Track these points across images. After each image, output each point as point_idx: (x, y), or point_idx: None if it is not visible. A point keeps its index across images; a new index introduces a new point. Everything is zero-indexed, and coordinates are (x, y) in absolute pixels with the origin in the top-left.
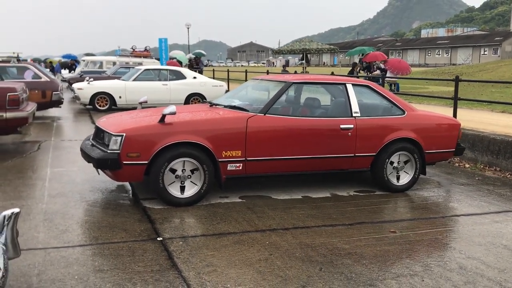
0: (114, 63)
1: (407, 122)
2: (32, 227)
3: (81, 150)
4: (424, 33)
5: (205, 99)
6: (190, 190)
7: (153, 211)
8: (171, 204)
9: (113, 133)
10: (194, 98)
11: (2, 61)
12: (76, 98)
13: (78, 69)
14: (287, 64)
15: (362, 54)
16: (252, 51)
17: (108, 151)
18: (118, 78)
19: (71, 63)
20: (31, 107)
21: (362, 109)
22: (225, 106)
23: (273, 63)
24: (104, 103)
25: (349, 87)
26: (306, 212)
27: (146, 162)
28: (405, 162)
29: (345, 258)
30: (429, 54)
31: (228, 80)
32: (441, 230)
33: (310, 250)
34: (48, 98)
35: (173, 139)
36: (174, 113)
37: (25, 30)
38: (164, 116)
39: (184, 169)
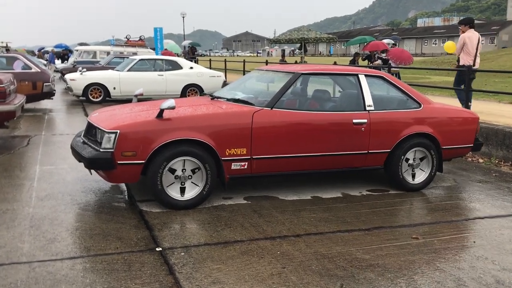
0: (108, 53)
1: (423, 115)
2: (16, 235)
3: (72, 148)
4: (420, 23)
5: (203, 91)
6: (191, 192)
7: (151, 215)
8: (170, 207)
9: (106, 130)
10: (191, 89)
11: None
12: (68, 90)
13: (71, 59)
14: (283, 54)
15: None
16: (248, 40)
17: (101, 150)
18: (112, 68)
19: (63, 53)
20: (19, 99)
21: (376, 102)
22: (228, 99)
23: (269, 52)
24: (97, 94)
25: (362, 78)
26: (317, 215)
27: (143, 161)
28: (421, 159)
29: (367, 271)
30: (426, 44)
31: (225, 70)
32: (467, 235)
33: (328, 262)
34: (39, 90)
35: (172, 136)
36: (173, 108)
37: (17, 20)
38: (162, 110)
39: (184, 169)
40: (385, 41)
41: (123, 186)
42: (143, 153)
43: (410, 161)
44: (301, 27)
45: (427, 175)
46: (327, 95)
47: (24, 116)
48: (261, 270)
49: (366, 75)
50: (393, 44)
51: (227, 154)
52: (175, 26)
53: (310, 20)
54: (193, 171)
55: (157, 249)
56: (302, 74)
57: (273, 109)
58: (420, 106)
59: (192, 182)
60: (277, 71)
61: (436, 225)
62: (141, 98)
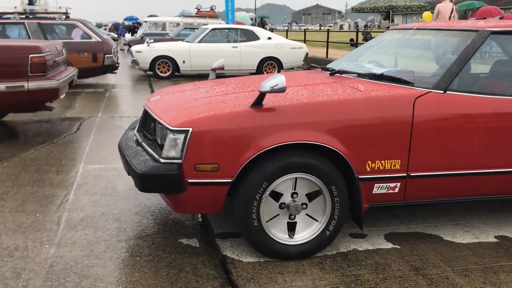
0: (178, 24)
1: None
2: None
3: (120, 149)
4: None
5: (281, 65)
6: (306, 230)
7: (242, 271)
8: (272, 256)
9: (171, 127)
10: (269, 63)
11: (46, 18)
12: (134, 63)
13: (140, 31)
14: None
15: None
16: (318, 13)
17: (162, 160)
18: (182, 40)
19: (133, 25)
20: (66, 73)
21: None
22: (360, 75)
23: (341, 26)
24: (166, 68)
25: None
26: None
27: (230, 180)
28: None
29: None
30: None
31: (304, 42)
32: None
33: None
34: (99, 62)
35: (279, 139)
36: (283, 90)
37: None
38: (262, 95)
39: (296, 193)
40: None
41: None
42: (231, 166)
43: None
44: None
45: None
46: None
47: (83, 93)
48: None
49: None
50: None
51: (368, 169)
52: (243, 0)
53: None
54: (309, 196)
55: None
56: (493, 32)
57: (448, 92)
58: None
59: (307, 214)
60: (441, 30)
61: None
62: (208, 75)
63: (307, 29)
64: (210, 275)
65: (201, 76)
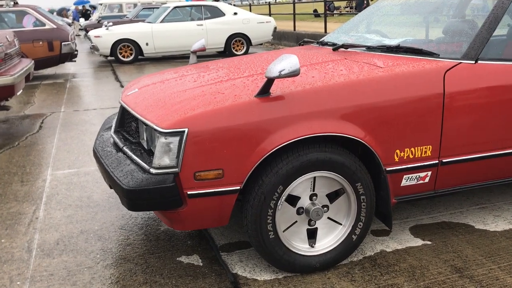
0: (135, 5)
1: None
2: None
3: (96, 155)
4: None
5: (250, 41)
6: (329, 237)
7: None
8: (292, 270)
9: (162, 129)
10: (237, 40)
11: None
12: (94, 49)
13: (96, 15)
14: None
15: None
16: None
17: (153, 171)
18: (143, 21)
19: (84, 9)
20: (21, 66)
21: None
22: (369, 49)
23: None
24: (128, 52)
25: None
26: None
27: (238, 188)
28: None
29: None
30: None
31: (270, 16)
32: None
33: None
34: (56, 51)
35: (297, 133)
36: (296, 73)
37: None
38: (270, 81)
39: (315, 194)
40: None
41: None
42: (238, 171)
43: None
44: None
45: None
46: None
47: (41, 85)
48: None
49: None
50: None
51: (396, 159)
52: None
53: None
54: (329, 196)
55: None
56: None
57: (479, 62)
58: None
59: (329, 217)
60: None
61: None
62: (174, 57)
63: (266, 2)
64: None
65: (167, 58)
